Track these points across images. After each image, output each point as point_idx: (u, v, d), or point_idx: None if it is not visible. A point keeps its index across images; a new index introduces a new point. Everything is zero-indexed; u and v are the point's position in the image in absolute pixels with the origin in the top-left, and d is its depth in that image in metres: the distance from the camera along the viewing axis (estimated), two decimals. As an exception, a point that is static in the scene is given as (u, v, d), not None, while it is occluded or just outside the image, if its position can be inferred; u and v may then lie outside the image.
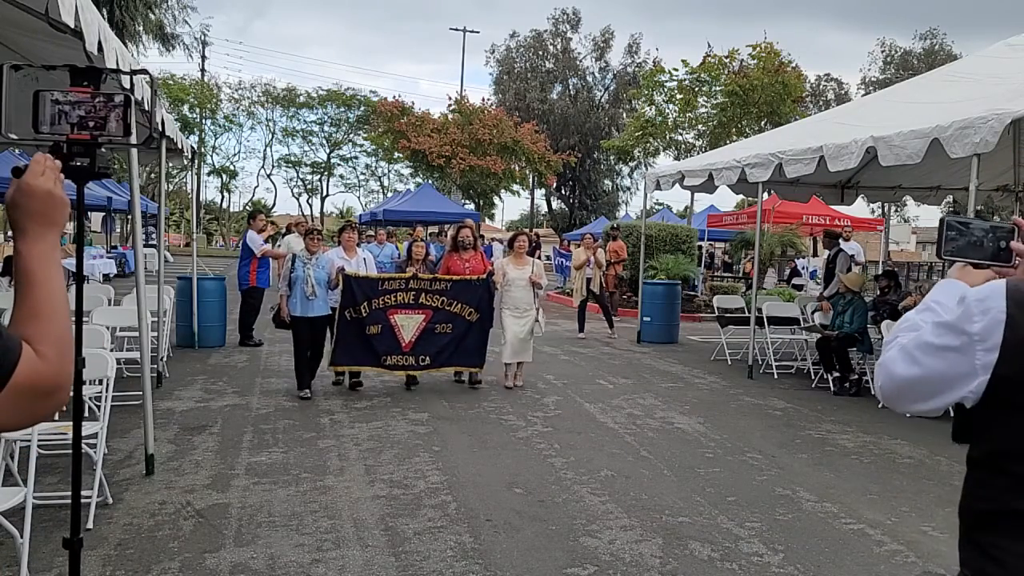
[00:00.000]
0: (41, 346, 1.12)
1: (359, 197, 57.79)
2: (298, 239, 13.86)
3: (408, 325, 7.77)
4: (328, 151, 52.51)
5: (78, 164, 2.34)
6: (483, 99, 36.11)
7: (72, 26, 3.46)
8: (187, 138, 9.73)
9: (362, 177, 55.56)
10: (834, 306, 9.26)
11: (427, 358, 7.86)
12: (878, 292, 9.79)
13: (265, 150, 57.91)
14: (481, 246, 16.34)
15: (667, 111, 27.23)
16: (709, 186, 10.42)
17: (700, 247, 20.28)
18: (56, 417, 5.59)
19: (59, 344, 1.15)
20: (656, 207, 32.62)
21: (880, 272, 11.48)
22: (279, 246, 14.29)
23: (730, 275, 24.01)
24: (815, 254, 22.44)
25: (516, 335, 8.17)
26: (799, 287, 18.77)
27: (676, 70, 26.41)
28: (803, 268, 21.30)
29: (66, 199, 1.29)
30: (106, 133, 2.30)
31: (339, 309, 7.54)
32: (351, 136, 51.41)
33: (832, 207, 16.30)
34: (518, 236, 8.75)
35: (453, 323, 7.88)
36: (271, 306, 7.62)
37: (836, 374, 8.69)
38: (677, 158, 26.77)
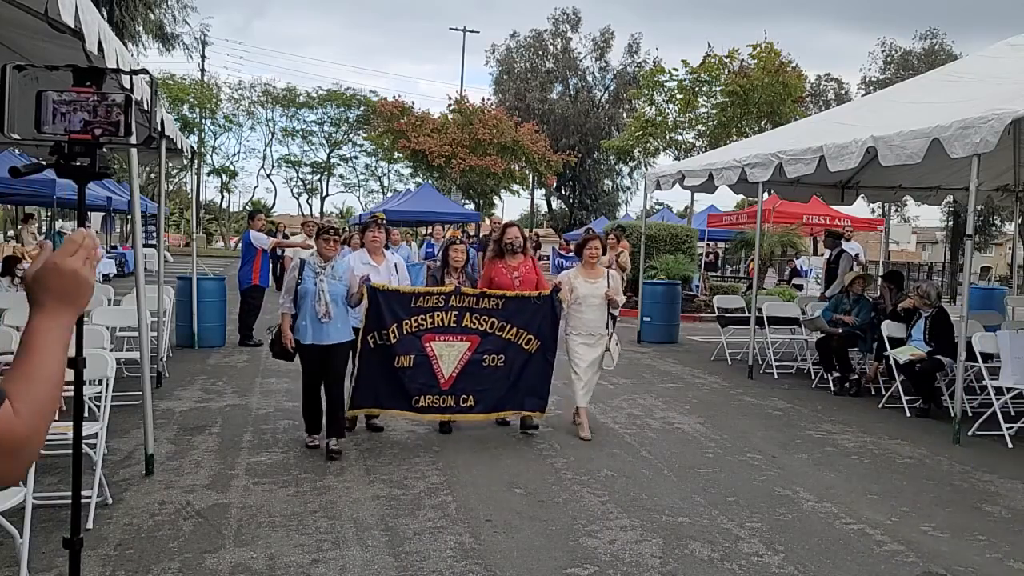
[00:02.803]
0: (19, 404, 1.12)
1: (359, 197, 57.88)
2: (312, 247, 12.79)
3: (448, 355, 6.01)
4: (328, 151, 52.59)
5: (79, 164, 2.35)
6: (483, 99, 36.14)
7: (72, 26, 3.46)
8: (187, 138, 9.72)
9: (362, 177, 55.66)
10: (839, 305, 9.26)
11: (470, 398, 6.09)
12: (878, 293, 9.80)
13: (265, 150, 57.98)
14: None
15: (667, 111, 27.23)
16: (709, 186, 10.42)
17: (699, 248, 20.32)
18: (56, 417, 5.61)
19: (38, 406, 1.14)
20: (656, 207, 32.65)
21: (883, 273, 11.48)
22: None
23: (715, 274, 24.05)
24: (815, 253, 22.45)
25: (588, 366, 6.40)
26: (799, 287, 18.79)
27: (676, 70, 26.43)
28: (802, 268, 21.32)
29: (92, 281, 1.26)
30: (107, 133, 2.30)
31: (361, 333, 5.83)
32: (351, 136, 51.48)
33: (832, 207, 16.32)
34: (590, 241, 6.55)
35: (506, 353, 6.12)
36: (268, 328, 5.96)
37: (836, 374, 8.70)
38: (677, 158, 26.76)
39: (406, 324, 5.90)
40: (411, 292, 6.06)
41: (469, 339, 6.06)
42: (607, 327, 6.45)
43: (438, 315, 5.98)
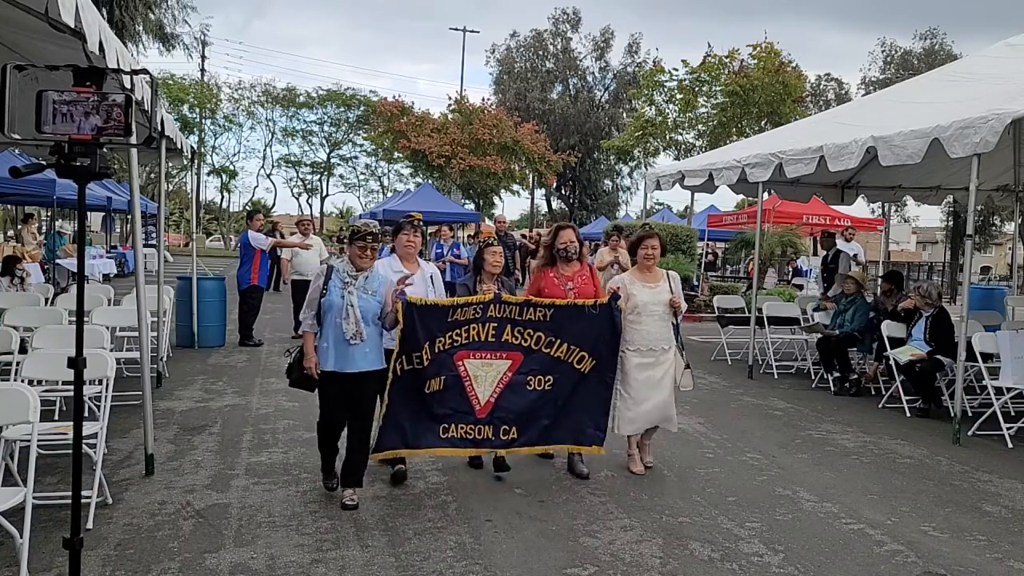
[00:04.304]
0: None
1: (359, 197, 57.89)
2: (312, 246, 11.58)
3: (485, 376, 4.98)
4: (328, 151, 52.58)
5: (79, 164, 2.35)
6: (483, 99, 36.17)
7: (72, 26, 3.46)
8: (187, 138, 9.72)
9: (362, 177, 55.65)
10: (836, 304, 9.26)
11: (512, 429, 5.04)
12: (879, 293, 9.80)
13: (265, 150, 58.04)
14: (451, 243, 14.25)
15: (667, 111, 27.25)
16: (709, 186, 10.42)
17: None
18: (56, 417, 5.61)
19: None
20: (656, 207, 32.67)
21: (884, 273, 11.47)
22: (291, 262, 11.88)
23: (715, 274, 24.05)
24: (815, 253, 22.45)
25: (646, 389, 5.36)
26: (799, 287, 18.80)
27: (676, 70, 26.47)
28: (802, 268, 21.33)
29: None
30: (107, 133, 2.30)
31: (393, 359, 4.71)
32: (351, 136, 51.48)
33: (832, 207, 16.32)
34: (645, 239, 5.52)
35: (554, 373, 5.07)
36: (287, 349, 5.00)
37: (836, 374, 8.70)
38: (677, 158, 26.79)
39: (439, 342, 4.84)
40: (449, 304, 4.94)
41: (510, 356, 5.02)
42: (674, 340, 5.46)
43: (474, 328, 4.93)
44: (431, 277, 5.29)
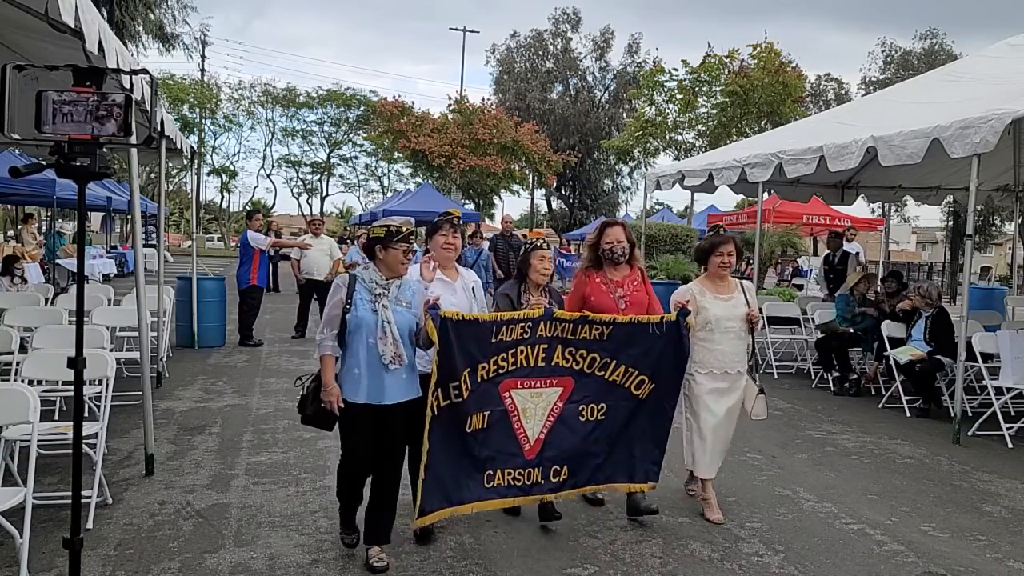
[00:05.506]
0: None
1: (359, 197, 57.92)
2: (319, 247, 11.36)
3: (535, 408, 4.14)
4: (328, 151, 52.58)
5: (79, 164, 2.35)
6: (483, 99, 36.17)
7: (72, 26, 3.46)
8: (187, 138, 9.72)
9: (362, 177, 55.65)
10: (847, 303, 9.24)
11: (564, 468, 4.22)
12: (879, 292, 9.79)
13: (265, 150, 58.06)
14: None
15: (667, 111, 27.28)
16: (709, 186, 10.42)
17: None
18: (56, 417, 5.61)
19: None
20: (656, 207, 32.74)
21: (887, 273, 11.46)
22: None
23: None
24: (815, 253, 22.44)
25: (720, 422, 4.60)
26: (799, 287, 18.79)
27: (676, 70, 26.51)
28: (803, 268, 21.32)
29: None
30: (107, 133, 2.30)
31: (430, 392, 3.75)
32: (351, 136, 51.48)
33: (832, 207, 16.33)
34: (720, 245, 4.67)
35: (608, 401, 4.28)
36: (298, 377, 4.05)
37: (836, 374, 8.70)
38: (677, 158, 26.81)
39: (482, 368, 3.95)
40: (492, 321, 3.99)
41: (561, 383, 4.20)
42: (748, 362, 4.70)
43: (522, 351, 4.06)
44: (472, 288, 4.40)
